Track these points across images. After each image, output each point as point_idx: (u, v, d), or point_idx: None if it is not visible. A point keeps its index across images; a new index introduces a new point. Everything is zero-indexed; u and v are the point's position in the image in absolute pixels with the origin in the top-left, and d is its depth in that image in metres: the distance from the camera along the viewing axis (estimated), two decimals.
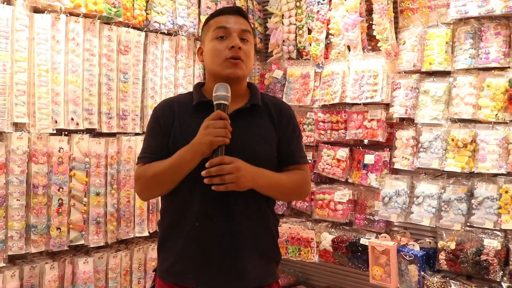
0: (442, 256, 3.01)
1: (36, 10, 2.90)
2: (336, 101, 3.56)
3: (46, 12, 2.91)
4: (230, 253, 1.87)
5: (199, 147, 1.80)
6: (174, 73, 3.65)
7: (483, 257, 2.81)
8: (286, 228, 3.79)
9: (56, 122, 2.97)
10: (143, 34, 3.43)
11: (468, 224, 2.94)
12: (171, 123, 1.95)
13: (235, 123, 1.85)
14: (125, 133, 3.35)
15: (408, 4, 3.38)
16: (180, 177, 1.87)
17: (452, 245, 2.96)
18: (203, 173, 1.78)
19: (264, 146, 1.95)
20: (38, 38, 2.86)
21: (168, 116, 1.97)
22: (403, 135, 3.27)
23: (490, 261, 2.79)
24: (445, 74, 3.17)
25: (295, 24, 3.92)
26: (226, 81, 1.89)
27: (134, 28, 3.37)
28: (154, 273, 2.07)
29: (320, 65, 3.76)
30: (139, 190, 1.99)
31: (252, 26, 4.16)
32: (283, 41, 3.98)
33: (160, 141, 1.95)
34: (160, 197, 2.06)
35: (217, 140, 1.77)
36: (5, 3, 2.75)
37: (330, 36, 3.70)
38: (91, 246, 3.15)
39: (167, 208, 1.99)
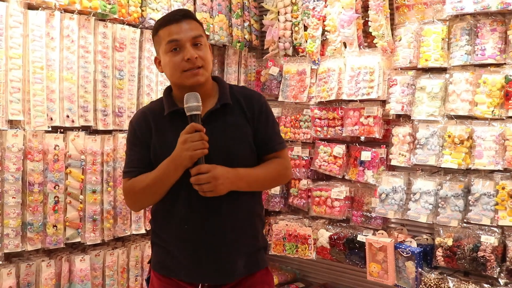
0: (439, 252, 3.01)
1: (30, 7, 2.87)
2: (333, 98, 3.56)
3: (40, 8, 2.88)
4: (218, 250, 1.94)
5: (180, 161, 1.85)
6: None
7: (480, 254, 2.82)
8: (283, 225, 3.79)
9: (51, 119, 2.95)
10: (138, 31, 3.41)
11: (465, 220, 2.94)
12: (149, 134, 2.00)
13: (209, 125, 1.89)
14: (121, 130, 3.33)
15: (404, 1, 3.38)
16: (166, 188, 1.92)
17: (449, 242, 2.96)
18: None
19: (240, 145, 1.98)
20: (33, 35, 2.84)
21: (144, 127, 2.01)
22: (400, 132, 3.27)
23: (487, 258, 2.79)
24: (441, 70, 3.17)
25: (291, 21, 3.90)
26: (191, 89, 1.90)
27: (129, 25, 3.35)
28: (149, 264, 2.14)
29: (316, 61, 3.75)
30: (129, 204, 2.06)
31: (249, 22, 4.14)
32: (279, 38, 3.97)
33: (141, 154, 1.99)
34: None
35: (196, 154, 1.82)
36: None
37: (326, 32, 3.69)
38: (88, 243, 3.13)
39: (157, 210, 2.06)
